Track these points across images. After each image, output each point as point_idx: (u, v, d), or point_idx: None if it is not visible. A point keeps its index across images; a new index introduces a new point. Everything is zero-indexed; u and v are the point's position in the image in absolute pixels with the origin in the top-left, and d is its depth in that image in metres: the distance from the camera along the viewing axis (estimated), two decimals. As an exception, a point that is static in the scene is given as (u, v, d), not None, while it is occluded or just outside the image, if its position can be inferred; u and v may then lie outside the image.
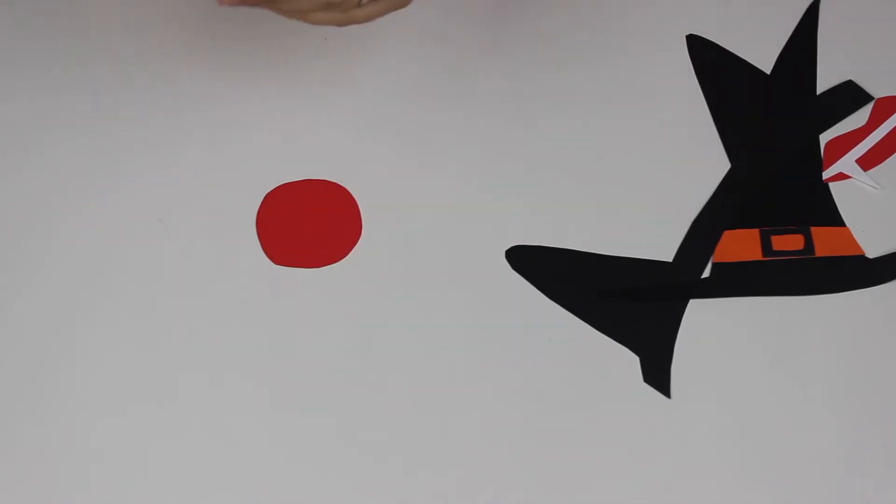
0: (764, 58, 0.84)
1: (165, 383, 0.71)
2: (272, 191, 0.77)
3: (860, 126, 0.82)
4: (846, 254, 0.77)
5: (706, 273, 0.76)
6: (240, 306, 0.73)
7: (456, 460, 0.70)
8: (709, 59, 0.84)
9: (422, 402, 0.71)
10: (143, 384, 0.71)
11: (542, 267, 0.76)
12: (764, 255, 0.77)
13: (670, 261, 0.76)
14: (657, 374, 0.72)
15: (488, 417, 0.71)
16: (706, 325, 0.74)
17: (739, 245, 0.77)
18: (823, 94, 0.83)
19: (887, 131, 0.82)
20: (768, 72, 0.84)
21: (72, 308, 0.73)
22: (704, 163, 0.80)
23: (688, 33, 0.85)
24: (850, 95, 0.83)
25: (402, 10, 0.73)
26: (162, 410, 0.70)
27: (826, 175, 0.80)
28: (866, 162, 0.81)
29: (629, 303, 0.75)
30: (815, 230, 0.78)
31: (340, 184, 0.78)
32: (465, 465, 0.70)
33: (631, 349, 0.73)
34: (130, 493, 0.68)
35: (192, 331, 0.73)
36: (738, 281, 0.76)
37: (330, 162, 0.78)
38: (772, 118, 0.82)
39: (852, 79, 0.83)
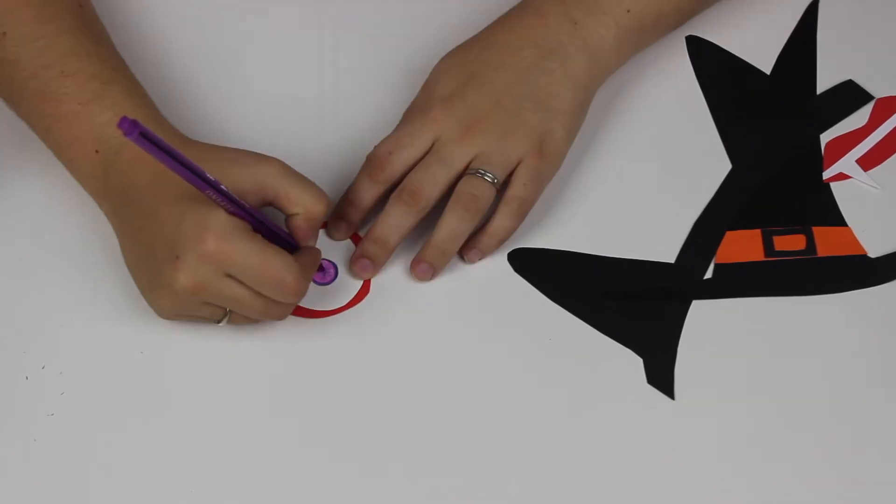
0: (764, 58, 0.84)
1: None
2: None
3: (860, 126, 0.82)
4: (848, 254, 0.77)
5: (709, 274, 0.76)
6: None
7: (456, 461, 0.70)
8: (709, 60, 0.84)
9: (422, 403, 0.71)
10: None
11: (544, 269, 0.76)
12: (766, 256, 0.77)
13: (672, 262, 0.76)
14: (661, 376, 0.72)
15: (490, 419, 0.71)
16: (709, 326, 0.74)
17: (741, 246, 0.77)
18: (823, 94, 0.83)
19: (887, 131, 0.82)
20: (768, 72, 0.84)
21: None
22: (705, 164, 0.80)
23: (687, 34, 0.85)
24: (850, 95, 0.83)
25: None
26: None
27: (826, 175, 0.80)
28: (867, 162, 0.81)
29: (632, 304, 0.75)
30: (816, 230, 0.78)
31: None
32: (465, 466, 0.69)
33: (634, 351, 0.73)
34: None
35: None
36: (741, 281, 0.76)
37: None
38: (772, 118, 0.82)
39: (852, 79, 0.83)
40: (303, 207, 0.68)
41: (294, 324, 0.73)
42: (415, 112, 0.76)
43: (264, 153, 0.69)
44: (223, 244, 0.65)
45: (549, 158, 0.75)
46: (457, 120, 0.74)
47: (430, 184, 0.73)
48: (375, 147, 0.75)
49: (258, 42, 0.83)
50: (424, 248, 0.74)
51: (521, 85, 0.75)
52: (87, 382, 0.71)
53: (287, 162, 0.69)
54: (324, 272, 0.74)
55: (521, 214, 0.75)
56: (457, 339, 0.73)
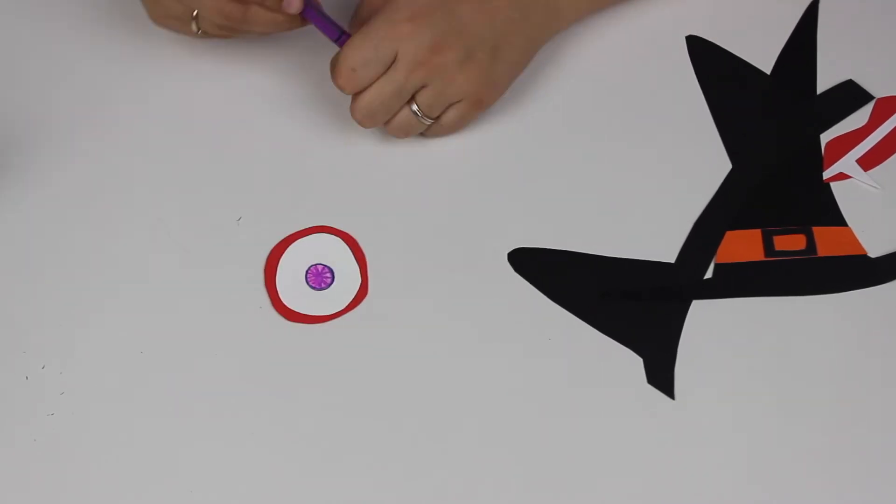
0: (764, 58, 0.84)
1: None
2: (279, 243, 0.76)
3: (860, 126, 0.82)
4: (848, 253, 0.77)
5: (709, 274, 0.76)
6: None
7: (456, 461, 0.70)
8: (709, 60, 0.84)
9: (422, 402, 0.71)
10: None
11: (545, 269, 0.76)
12: (766, 256, 0.77)
13: (672, 262, 0.76)
14: (661, 376, 0.72)
15: (490, 419, 0.71)
16: (709, 326, 0.74)
17: (742, 245, 0.77)
18: (823, 94, 0.83)
19: (887, 131, 0.82)
20: (768, 72, 0.84)
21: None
22: (706, 163, 0.80)
23: (687, 34, 0.85)
24: (850, 95, 0.83)
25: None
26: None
27: (826, 175, 0.80)
28: (867, 162, 0.81)
29: (632, 304, 0.75)
30: (816, 230, 0.78)
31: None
32: (465, 466, 0.69)
33: (634, 351, 0.73)
34: None
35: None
36: (741, 281, 0.76)
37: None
38: (772, 118, 0.82)
39: (852, 79, 0.83)
40: None
41: (293, 328, 0.73)
42: (382, 21, 0.75)
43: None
44: None
45: (480, 109, 0.78)
46: (421, 42, 0.74)
47: (383, 110, 0.75)
48: (340, 55, 0.74)
49: (254, 42, 0.84)
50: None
51: (488, 28, 0.76)
52: (87, 382, 0.71)
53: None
54: (321, 277, 0.74)
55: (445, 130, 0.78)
56: (457, 339, 0.73)
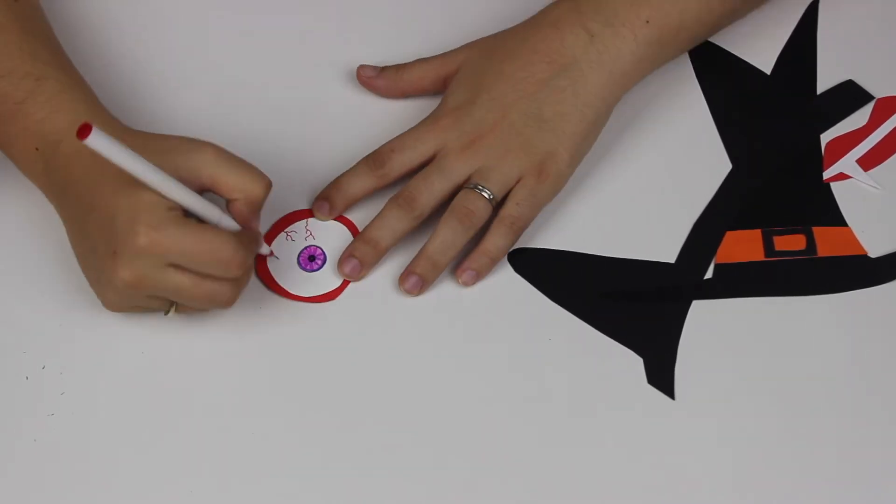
0: (764, 58, 0.84)
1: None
2: (276, 223, 0.76)
3: (860, 126, 0.82)
4: (848, 254, 0.77)
5: (709, 274, 0.76)
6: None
7: (456, 461, 0.70)
8: (709, 60, 0.84)
9: (422, 403, 0.71)
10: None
11: (544, 269, 0.76)
12: (766, 256, 0.77)
13: (672, 262, 0.76)
14: (661, 376, 0.72)
15: (489, 419, 0.71)
16: (709, 326, 0.74)
17: (742, 246, 0.77)
18: (823, 94, 0.83)
19: (888, 131, 0.82)
20: (768, 72, 0.84)
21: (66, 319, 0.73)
22: (706, 164, 0.80)
23: (687, 34, 0.85)
24: (850, 95, 0.83)
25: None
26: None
27: (826, 175, 0.80)
28: (867, 162, 0.81)
29: (632, 304, 0.75)
30: (816, 230, 0.78)
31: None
32: (464, 466, 0.69)
33: (634, 351, 0.73)
34: None
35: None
36: (741, 282, 0.76)
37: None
38: (772, 118, 0.82)
39: (852, 79, 0.83)
40: (241, 192, 0.68)
41: (291, 323, 0.73)
42: (428, 118, 0.77)
43: (203, 139, 0.69)
44: (155, 234, 0.64)
45: (548, 180, 0.75)
46: (462, 132, 0.75)
47: (427, 192, 0.74)
48: (382, 145, 0.76)
49: (248, 41, 0.84)
50: (416, 259, 0.74)
51: (529, 102, 0.75)
52: (87, 382, 0.71)
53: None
54: (314, 259, 0.75)
55: (514, 233, 0.75)
56: (456, 339, 0.73)
